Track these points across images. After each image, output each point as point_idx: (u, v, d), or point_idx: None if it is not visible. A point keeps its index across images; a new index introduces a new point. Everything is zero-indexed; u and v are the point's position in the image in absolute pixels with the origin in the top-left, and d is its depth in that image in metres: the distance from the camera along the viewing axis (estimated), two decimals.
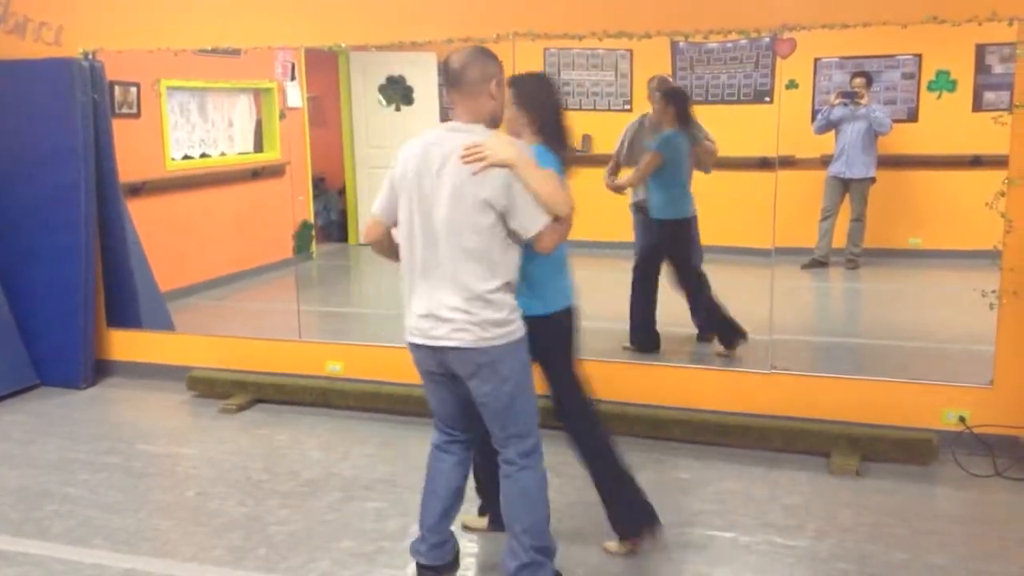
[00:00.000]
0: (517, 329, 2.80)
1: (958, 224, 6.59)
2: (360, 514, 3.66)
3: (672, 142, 5.07)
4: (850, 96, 7.17)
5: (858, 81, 7.37)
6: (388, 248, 3.00)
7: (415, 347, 2.86)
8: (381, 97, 9.14)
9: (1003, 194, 3.95)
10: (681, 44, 8.34)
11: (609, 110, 8.75)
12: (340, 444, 4.45)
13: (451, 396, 2.94)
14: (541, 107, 3.09)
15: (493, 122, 2.85)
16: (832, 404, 4.28)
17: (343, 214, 9.49)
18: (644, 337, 5.22)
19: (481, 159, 2.67)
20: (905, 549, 3.32)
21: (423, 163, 2.75)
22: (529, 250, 2.83)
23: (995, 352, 4.10)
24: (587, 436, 3.21)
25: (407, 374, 4.82)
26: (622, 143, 5.52)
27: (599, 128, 8.77)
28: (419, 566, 3.08)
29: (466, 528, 3.45)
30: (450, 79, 2.79)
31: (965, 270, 5.40)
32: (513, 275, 2.80)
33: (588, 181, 9.71)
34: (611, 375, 4.67)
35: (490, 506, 3.38)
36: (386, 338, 5.52)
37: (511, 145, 2.74)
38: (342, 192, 9.48)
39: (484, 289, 2.72)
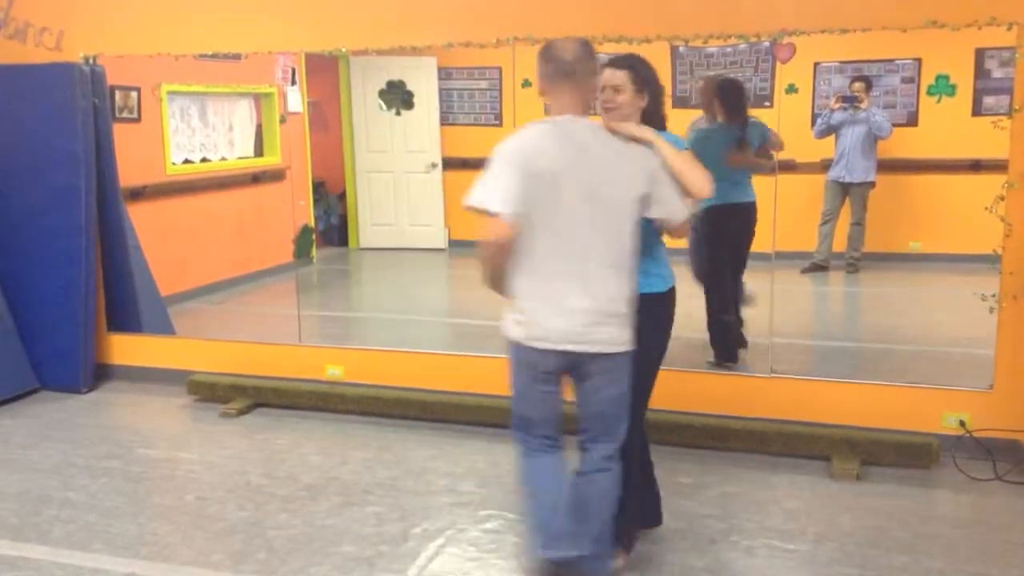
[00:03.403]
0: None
1: (958, 228, 6.59)
2: (360, 519, 3.66)
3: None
4: (850, 100, 7.18)
5: (858, 85, 7.38)
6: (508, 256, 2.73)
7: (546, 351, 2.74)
8: (381, 102, 9.16)
9: (1002, 198, 3.95)
10: (681, 49, 8.35)
11: None
12: (340, 448, 4.44)
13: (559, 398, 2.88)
14: (654, 91, 3.06)
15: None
16: (832, 408, 4.27)
17: (343, 218, 9.50)
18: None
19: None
20: (906, 553, 3.32)
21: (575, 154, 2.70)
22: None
23: (995, 356, 4.09)
24: None
25: (406, 378, 4.89)
26: None
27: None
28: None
29: None
30: (562, 70, 2.72)
31: (965, 274, 5.40)
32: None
33: None
34: None
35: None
36: (386, 342, 5.53)
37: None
38: (342, 196, 9.50)
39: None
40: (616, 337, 2.74)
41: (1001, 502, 3.75)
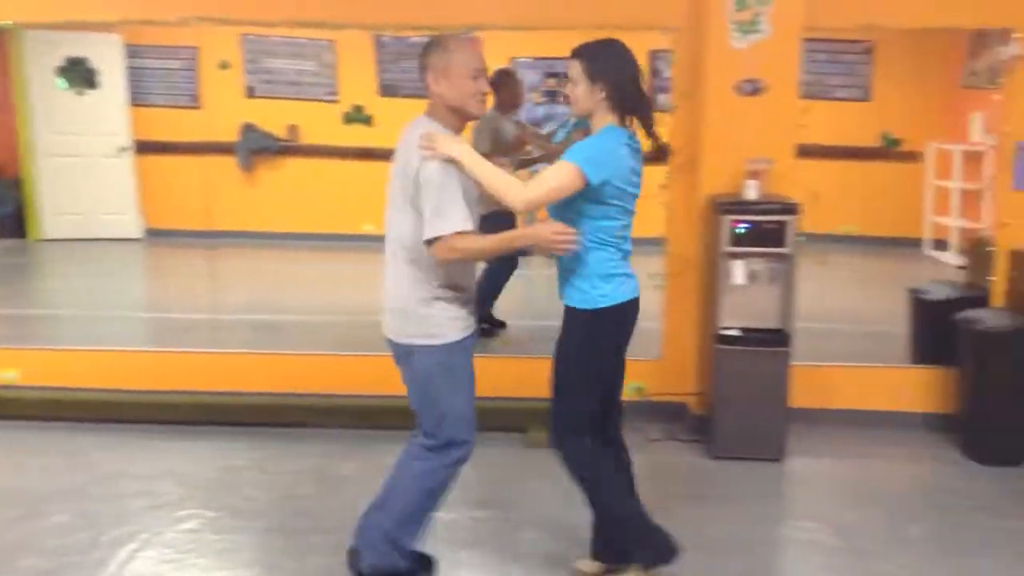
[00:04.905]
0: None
1: (639, 214, 7.24)
2: (42, 530, 3.38)
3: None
4: (551, 95, 7.62)
5: (552, 81, 7.86)
6: None
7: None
8: (60, 80, 8.43)
9: (665, 186, 4.40)
10: (385, 37, 8.42)
11: (314, 100, 8.67)
12: (17, 457, 4.07)
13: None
14: (614, 82, 2.78)
15: (454, 111, 2.74)
16: (527, 383, 4.51)
17: (20, 206, 8.63)
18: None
19: (429, 149, 2.64)
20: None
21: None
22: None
23: (662, 329, 4.55)
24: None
25: (95, 378, 4.56)
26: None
27: (305, 118, 8.69)
28: None
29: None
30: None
31: (645, 256, 5.93)
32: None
33: (298, 172, 9.59)
34: (320, 368, 4.66)
35: (605, 550, 3.17)
36: (71, 341, 5.13)
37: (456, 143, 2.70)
38: (19, 183, 8.62)
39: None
40: (393, 326, 2.85)
41: (672, 459, 4.17)
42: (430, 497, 2.94)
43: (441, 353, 2.83)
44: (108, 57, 8.45)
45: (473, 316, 2.93)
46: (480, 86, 2.74)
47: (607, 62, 2.78)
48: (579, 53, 2.81)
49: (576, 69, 2.80)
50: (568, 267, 2.88)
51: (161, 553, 3.25)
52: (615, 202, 2.78)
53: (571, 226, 2.71)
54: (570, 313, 2.93)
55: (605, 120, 2.82)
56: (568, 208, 2.76)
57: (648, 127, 2.85)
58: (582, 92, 2.79)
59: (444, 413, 2.90)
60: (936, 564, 3.25)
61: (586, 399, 3.00)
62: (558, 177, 2.69)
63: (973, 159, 7.69)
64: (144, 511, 3.56)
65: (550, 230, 2.67)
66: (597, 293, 2.86)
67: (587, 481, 3.01)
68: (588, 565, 3.20)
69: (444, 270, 2.75)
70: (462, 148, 2.68)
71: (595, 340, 2.94)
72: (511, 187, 2.70)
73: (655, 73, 7.42)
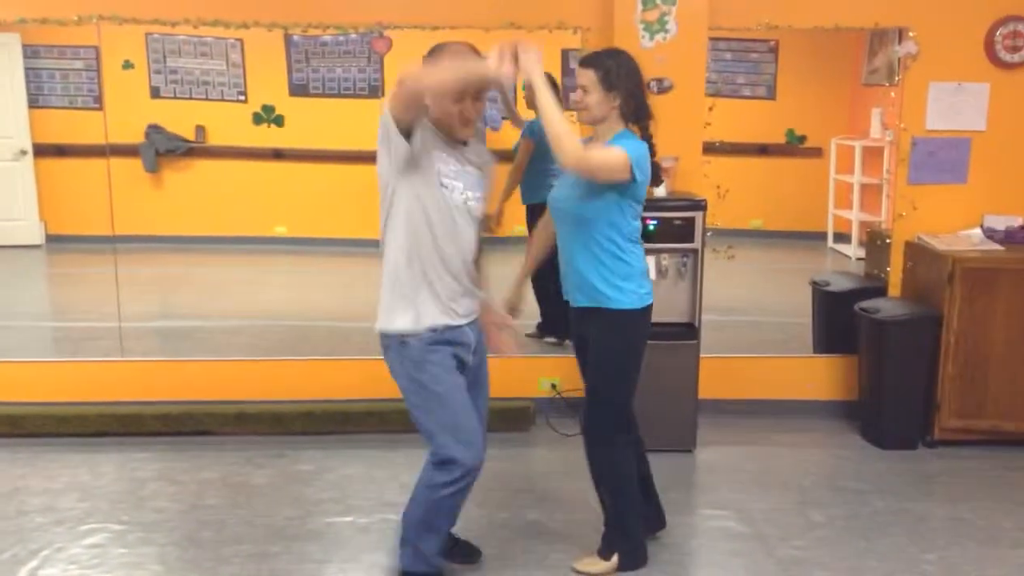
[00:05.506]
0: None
1: None
2: None
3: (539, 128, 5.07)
4: None
5: None
6: None
7: None
8: None
9: None
10: (295, 36, 8.30)
11: (222, 100, 8.48)
12: None
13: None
14: (630, 90, 2.83)
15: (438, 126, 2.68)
16: None
17: None
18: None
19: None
20: (505, 509, 3.64)
21: None
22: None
23: None
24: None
25: None
26: None
27: (212, 119, 8.49)
28: None
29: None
30: None
31: None
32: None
33: (206, 173, 9.36)
34: (230, 374, 4.57)
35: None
36: None
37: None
38: None
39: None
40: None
41: (583, 453, 4.21)
42: (440, 509, 2.85)
43: (403, 346, 2.75)
44: (6, 57, 8.12)
45: (458, 311, 2.79)
46: (463, 109, 2.62)
47: (621, 71, 2.83)
48: (592, 62, 2.86)
49: (589, 78, 2.84)
50: (610, 270, 2.90)
51: (64, 570, 3.14)
52: (643, 201, 2.88)
53: (611, 227, 2.81)
54: (613, 316, 2.94)
55: (616, 127, 2.88)
56: (611, 208, 2.82)
57: (648, 135, 2.92)
58: (595, 100, 2.84)
59: (431, 429, 2.87)
60: (839, 546, 3.37)
61: (630, 396, 3.06)
62: (611, 157, 2.73)
63: (873, 154, 7.95)
64: (46, 527, 3.44)
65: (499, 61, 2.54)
66: (644, 291, 2.97)
67: (620, 486, 3.12)
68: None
69: (434, 254, 2.68)
70: (544, 82, 2.61)
71: (643, 335, 3.02)
72: (571, 140, 2.67)
73: (570, 72, 7.50)
